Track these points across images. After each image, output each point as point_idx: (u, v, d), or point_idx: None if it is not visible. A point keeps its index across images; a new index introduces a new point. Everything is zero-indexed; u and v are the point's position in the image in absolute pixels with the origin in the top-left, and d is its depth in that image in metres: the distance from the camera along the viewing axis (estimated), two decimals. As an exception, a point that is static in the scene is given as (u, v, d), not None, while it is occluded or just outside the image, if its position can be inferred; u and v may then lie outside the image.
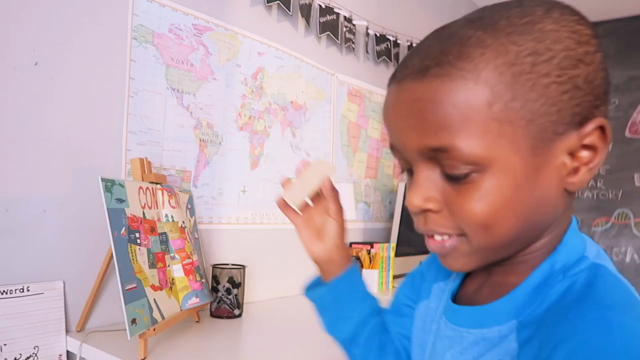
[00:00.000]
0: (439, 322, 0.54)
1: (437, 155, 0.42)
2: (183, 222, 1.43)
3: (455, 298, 0.55)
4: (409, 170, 0.48)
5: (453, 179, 0.42)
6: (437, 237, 0.45)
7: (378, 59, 2.53)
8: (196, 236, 1.54)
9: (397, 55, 2.64)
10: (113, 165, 1.43)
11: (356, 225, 2.44)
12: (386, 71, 2.63)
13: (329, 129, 2.26)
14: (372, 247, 2.26)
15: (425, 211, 0.45)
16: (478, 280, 0.54)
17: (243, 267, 1.64)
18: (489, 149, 0.40)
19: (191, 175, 1.66)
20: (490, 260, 0.46)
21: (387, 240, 2.61)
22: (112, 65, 1.43)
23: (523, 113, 0.39)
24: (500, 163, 0.40)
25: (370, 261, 2.21)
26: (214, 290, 1.59)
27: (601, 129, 0.41)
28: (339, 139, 2.32)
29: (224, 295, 1.59)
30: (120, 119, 1.44)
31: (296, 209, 0.65)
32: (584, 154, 0.42)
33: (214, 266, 1.60)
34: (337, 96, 2.30)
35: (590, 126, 0.41)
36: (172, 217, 1.38)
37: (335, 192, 0.67)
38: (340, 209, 0.67)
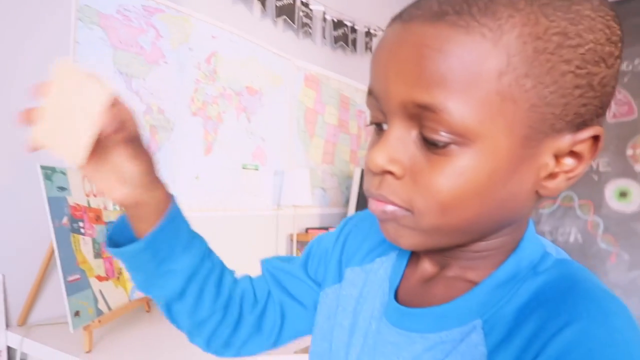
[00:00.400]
0: (379, 323, 0.47)
1: (421, 114, 0.36)
2: (132, 210, 1.39)
3: (396, 294, 0.49)
4: (378, 124, 0.42)
5: (429, 146, 0.37)
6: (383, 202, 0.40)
7: (335, 44, 2.52)
8: (146, 224, 1.50)
9: (354, 42, 2.64)
10: (56, 151, 1.38)
11: (313, 211, 2.44)
12: (344, 57, 2.62)
13: (285, 115, 2.24)
14: (328, 231, 2.28)
15: (384, 173, 0.39)
16: (423, 272, 0.48)
17: (196, 255, 1.62)
18: (481, 123, 0.35)
19: (141, 162, 1.62)
20: (433, 245, 0.42)
21: (344, 225, 2.64)
22: (55, 47, 1.36)
23: (530, 95, 0.35)
24: (487, 142, 0.35)
25: (327, 247, 2.23)
26: (166, 278, 1.56)
27: (594, 139, 0.38)
28: (296, 124, 2.31)
29: (176, 283, 1.57)
30: (63, 103, 1.38)
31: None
32: (568, 161, 0.38)
33: (166, 254, 1.58)
34: (294, 81, 2.28)
35: (587, 133, 0.37)
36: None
37: (119, 116, 0.44)
38: (133, 137, 0.46)
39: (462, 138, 0.35)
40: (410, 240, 0.41)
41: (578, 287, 0.37)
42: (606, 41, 0.36)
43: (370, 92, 0.41)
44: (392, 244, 0.50)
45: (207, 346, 0.58)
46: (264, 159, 2.13)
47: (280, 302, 0.59)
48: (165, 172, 1.70)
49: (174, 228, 0.51)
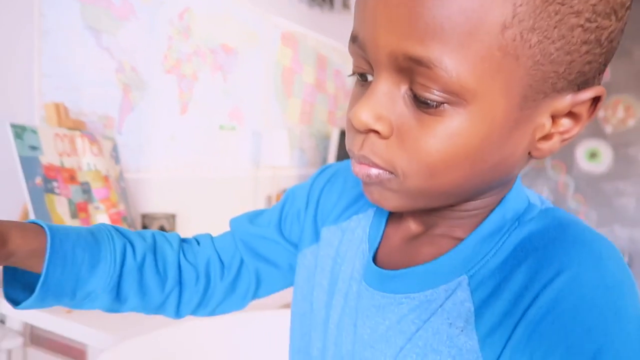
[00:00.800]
0: (359, 286, 0.46)
1: (412, 69, 0.33)
2: (107, 170, 1.37)
3: (375, 254, 0.47)
4: (362, 74, 0.38)
5: (419, 104, 0.34)
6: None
7: (313, 0, 2.46)
8: (122, 185, 1.48)
9: (332, -2, 2.58)
10: (26, 111, 1.33)
11: (291, 172, 2.44)
12: (321, 15, 2.57)
13: (262, 74, 2.20)
14: (306, 193, 2.29)
15: (369, 132, 0.36)
16: (407, 232, 0.46)
17: (173, 215, 1.61)
18: (480, 81, 0.32)
19: (115, 122, 1.58)
20: (423, 206, 0.40)
21: (322, 186, 2.65)
22: (19, 1, 1.29)
23: (534, 51, 0.31)
24: (483, 102, 0.33)
25: (305, 207, 2.25)
26: (144, 239, 1.56)
27: (594, 100, 0.35)
28: (273, 84, 2.27)
29: (154, 244, 1.57)
30: (30, 59, 1.33)
31: None
32: (565, 121, 0.36)
33: (144, 215, 1.57)
34: (270, 39, 2.23)
35: (589, 93, 0.35)
36: (94, 165, 1.31)
37: None
38: None
39: (457, 97, 0.32)
40: (394, 203, 0.39)
41: (567, 233, 0.36)
42: None
43: (355, 39, 0.36)
44: (368, 201, 0.50)
45: (177, 315, 0.56)
46: (241, 119, 2.10)
47: (256, 268, 0.58)
48: (140, 132, 1.67)
49: (63, 262, 0.44)
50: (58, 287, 0.44)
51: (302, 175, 2.54)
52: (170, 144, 1.78)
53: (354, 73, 0.39)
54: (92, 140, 1.33)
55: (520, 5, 0.30)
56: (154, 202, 1.72)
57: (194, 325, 0.93)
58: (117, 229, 0.51)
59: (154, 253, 0.52)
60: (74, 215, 1.18)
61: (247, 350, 0.99)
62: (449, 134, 0.33)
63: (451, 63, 0.31)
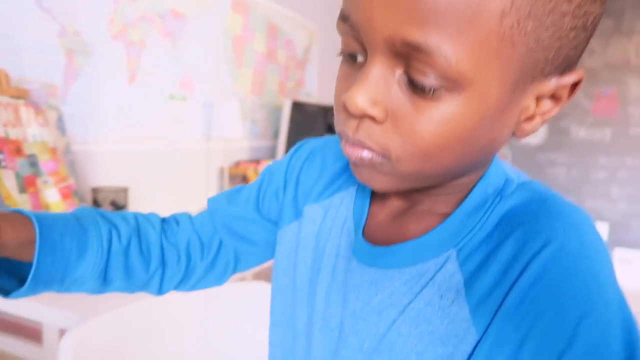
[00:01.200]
0: (348, 262, 0.47)
1: (409, 54, 0.33)
2: (54, 142, 1.29)
3: (363, 232, 0.48)
4: (351, 54, 0.38)
5: (414, 89, 0.34)
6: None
7: (263, -33, 2.39)
8: (70, 158, 1.40)
9: (282, -35, 2.51)
10: (-41, 76, 1.22)
11: (242, 144, 2.41)
12: (271, -19, 2.50)
13: (213, 42, 2.13)
14: (259, 164, 2.26)
15: (364, 116, 0.36)
16: (392, 209, 0.47)
17: (125, 189, 1.55)
18: (477, 67, 0.32)
19: (59, 90, 1.48)
20: (411, 187, 0.41)
21: (273, 157, 2.63)
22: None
23: (529, 38, 0.32)
24: (479, 88, 0.33)
25: (258, 179, 2.23)
26: (95, 214, 1.49)
27: (575, 83, 0.37)
28: (223, 52, 2.21)
29: (106, 219, 1.50)
30: (-38, 20, 1.21)
31: None
32: (547, 103, 0.38)
33: (94, 189, 1.50)
34: (220, 5, 2.15)
35: (572, 77, 0.36)
36: (41, 137, 1.23)
37: None
38: None
39: (454, 84, 0.33)
40: (384, 184, 0.40)
41: (548, 206, 0.38)
42: None
43: (346, 19, 0.36)
44: (349, 178, 0.52)
45: (160, 293, 0.58)
46: (191, 89, 2.03)
47: (234, 247, 0.59)
48: (87, 101, 1.57)
49: (53, 251, 0.45)
50: (48, 276, 0.45)
51: (254, 148, 2.51)
52: (119, 114, 1.70)
53: (343, 53, 0.39)
54: (38, 110, 1.25)
55: None
56: (103, 175, 1.64)
57: (163, 300, 0.91)
58: (100, 214, 0.52)
59: (138, 236, 0.53)
60: (22, 190, 1.11)
61: (218, 322, 0.99)
62: (444, 119, 0.34)
63: (450, 50, 0.31)
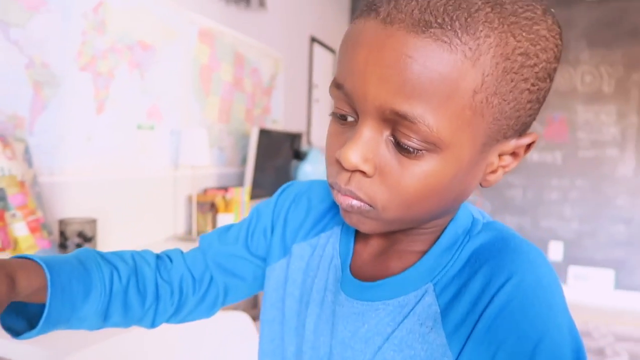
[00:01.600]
0: (336, 296, 0.52)
1: (397, 120, 0.38)
2: (22, 175, 1.27)
3: (349, 267, 0.53)
4: (342, 116, 0.43)
5: (400, 149, 0.40)
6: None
7: (229, -2, 2.44)
8: (37, 190, 1.39)
9: (248, -4, 2.58)
10: None
11: (210, 171, 2.42)
12: (237, 12, 2.56)
13: (180, 72, 2.15)
14: (227, 191, 2.28)
15: (355, 171, 0.41)
16: (375, 248, 0.53)
17: (94, 220, 1.54)
18: (453, 134, 0.38)
19: (26, 122, 1.47)
20: (390, 230, 0.46)
21: (241, 184, 2.65)
22: None
23: (495, 110, 0.39)
24: (454, 150, 0.39)
25: (226, 206, 2.24)
26: (62, 246, 1.47)
27: (530, 143, 0.44)
28: (191, 82, 2.23)
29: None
30: None
31: None
32: (507, 158, 0.44)
33: (61, 221, 1.48)
34: (188, 36, 2.18)
35: (528, 139, 0.43)
36: (9, 170, 1.22)
37: None
38: None
39: (434, 146, 0.39)
40: (371, 227, 0.45)
41: (509, 245, 0.45)
42: (554, 59, 0.41)
43: (339, 86, 0.41)
44: (333, 218, 0.58)
45: (153, 326, 0.61)
46: (159, 118, 2.04)
47: (224, 282, 0.63)
48: (54, 132, 1.56)
49: (62, 296, 0.47)
50: (57, 317, 0.48)
51: (222, 174, 2.52)
52: (87, 144, 1.69)
53: (335, 114, 0.44)
54: (5, 142, 1.24)
55: (487, 75, 0.37)
56: (71, 207, 1.62)
57: (140, 334, 0.92)
58: (101, 255, 0.55)
59: (136, 275, 0.57)
60: (-10, 225, 1.09)
61: (195, 353, 0.99)
62: (424, 175, 0.40)
63: (431, 119, 0.37)
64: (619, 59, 3.58)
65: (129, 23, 1.84)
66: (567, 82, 3.71)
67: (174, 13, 2.09)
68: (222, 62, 2.45)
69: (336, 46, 4.03)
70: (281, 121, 3.12)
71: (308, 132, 3.55)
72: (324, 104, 3.84)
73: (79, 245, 1.49)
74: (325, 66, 3.83)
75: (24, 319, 0.49)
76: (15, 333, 0.47)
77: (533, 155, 3.81)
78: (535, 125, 3.77)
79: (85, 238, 1.50)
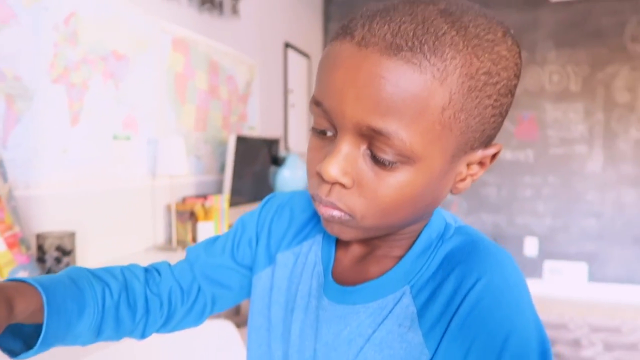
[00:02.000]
0: (319, 301, 0.54)
1: (373, 136, 0.42)
2: (-2, 190, 1.26)
3: (331, 273, 0.56)
4: (322, 131, 0.46)
5: (376, 162, 0.43)
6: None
7: (202, 5, 2.44)
8: (13, 204, 1.37)
9: (221, 4, 2.59)
10: None
11: (188, 179, 2.41)
12: (210, 20, 2.56)
13: (155, 81, 2.15)
14: (206, 199, 2.28)
15: (335, 183, 0.44)
16: (355, 254, 0.56)
17: (72, 233, 1.53)
18: (425, 148, 0.42)
19: (-1, 136, 1.45)
20: (369, 237, 0.50)
21: (220, 191, 2.65)
22: None
23: (462, 125, 0.42)
24: (426, 162, 0.43)
25: (206, 214, 2.24)
26: (40, 261, 1.46)
27: (495, 153, 0.47)
28: (166, 91, 2.23)
29: (53, 265, 1.47)
30: None
31: None
32: (475, 167, 0.48)
33: (39, 235, 1.46)
34: (161, 45, 2.18)
35: (493, 149, 0.47)
36: (-16, 186, 1.21)
37: None
38: None
39: (407, 159, 0.42)
40: (350, 235, 0.48)
41: (479, 248, 0.48)
42: (514, 76, 0.44)
43: (318, 104, 0.45)
44: (314, 227, 0.61)
45: (143, 337, 0.62)
46: (135, 128, 2.03)
47: (212, 292, 0.65)
48: (28, 145, 1.55)
49: (58, 316, 0.48)
50: (54, 337, 0.49)
51: (200, 183, 2.52)
52: (62, 157, 1.67)
53: (314, 129, 0.47)
54: (-21, 158, 1.22)
55: (454, 93, 0.41)
56: (48, 220, 1.60)
57: (129, 344, 0.92)
58: (92, 273, 0.56)
59: (126, 290, 0.59)
60: (-33, 243, 1.08)
61: (181, 356, 1.00)
62: (399, 185, 0.43)
63: (405, 134, 0.41)
64: (585, 59, 3.70)
65: (101, 33, 1.83)
66: (535, 81, 3.81)
67: (147, 22, 2.08)
68: (196, 70, 2.45)
69: (310, 51, 4.06)
70: (258, 127, 3.13)
71: (285, 138, 3.56)
72: (300, 109, 3.86)
73: (57, 259, 1.47)
74: (300, 71, 3.86)
75: (20, 339, 0.50)
76: (14, 353, 0.49)
77: (506, 154, 3.90)
78: (507, 124, 3.86)
79: (64, 252, 1.49)
